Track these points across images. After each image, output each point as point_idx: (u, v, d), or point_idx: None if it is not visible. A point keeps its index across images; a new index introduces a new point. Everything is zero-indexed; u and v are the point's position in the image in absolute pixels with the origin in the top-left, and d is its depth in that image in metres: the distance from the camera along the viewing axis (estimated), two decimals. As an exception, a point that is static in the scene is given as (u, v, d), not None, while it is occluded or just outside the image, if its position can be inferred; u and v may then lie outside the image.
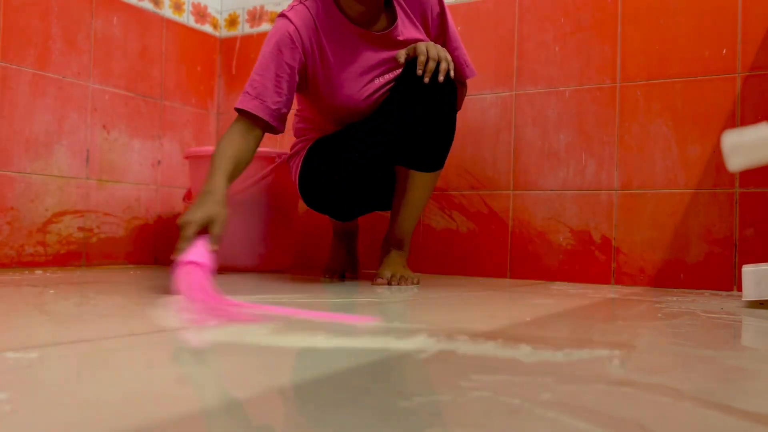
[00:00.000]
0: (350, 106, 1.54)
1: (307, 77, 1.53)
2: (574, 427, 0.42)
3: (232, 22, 2.44)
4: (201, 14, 2.38)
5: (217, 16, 2.46)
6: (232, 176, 1.37)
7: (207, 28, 2.41)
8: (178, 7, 2.28)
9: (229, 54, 2.44)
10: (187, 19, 2.33)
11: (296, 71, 1.48)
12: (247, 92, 1.45)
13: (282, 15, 1.50)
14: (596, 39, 1.84)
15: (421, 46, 1.42)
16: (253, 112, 1.43)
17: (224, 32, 2.45)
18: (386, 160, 1.54)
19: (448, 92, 1.47)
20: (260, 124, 1.45)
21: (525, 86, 1.92)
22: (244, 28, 2.42)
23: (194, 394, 0.48)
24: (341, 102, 1.54)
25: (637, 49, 1.79)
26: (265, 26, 2.38)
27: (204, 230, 1.21)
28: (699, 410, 0.47)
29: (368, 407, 0.45)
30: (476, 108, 1.97)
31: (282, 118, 1.48)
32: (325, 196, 1.57)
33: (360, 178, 1.52)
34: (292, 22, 1.47)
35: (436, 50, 1.41)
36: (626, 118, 1.79)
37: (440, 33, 1.60)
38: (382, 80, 1.55)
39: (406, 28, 1.56)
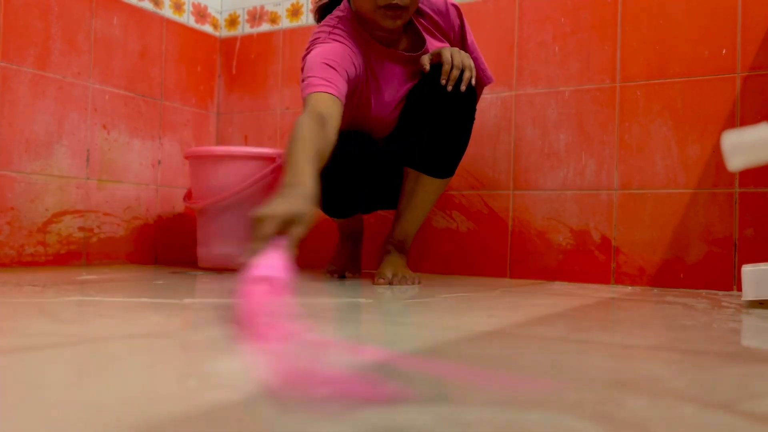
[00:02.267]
0: (378, 123, 1.57)
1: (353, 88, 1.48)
2: (575, 428, 0.42)
3: (232, 22, 2.44)
4: (201, 14, 2.38)
5: (217, 16, 2.46)
6: (321, 164, 1.18)
7: (207, 28, 2.41)
8: (178, 7, 2.28)
9: (229, 54, 2.44)
10: (187, 19, 2.33)
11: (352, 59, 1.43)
12: (307, 79, 1.34)
13: (325, 26, 1.47)
14: (596, 39, 1.84)
15: (446, 53, 1.42)
16: (329, 92, 1.31)
17: (224, 32, 2.45)
18: (398, 159, 1.54)
19: (469, 102, 1.48)
20: (339, 107, 1.33)
21: (525, 86, 1.92)
22: (245, 28, 2.42)
23: (195, 394, 0.48)
24: (371, 116, 1.56)
25: (637, 49, 1.79)
26: (265, 26, 2.38)
27: (283, 230, 0.95)
28: (700, 411, 0.47)
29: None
30: (476, 108, 1.97)
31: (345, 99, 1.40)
32: (330, 181, 1.47)
33: (368, 169, 1.53)
34: (340, 35, 1.46)
35: (461, 57, 1.42)
36: (626, 118, 1.79)
37: (461, 46, 1.61)
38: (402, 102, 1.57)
39: (433, 47, 1.57)
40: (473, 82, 1.44)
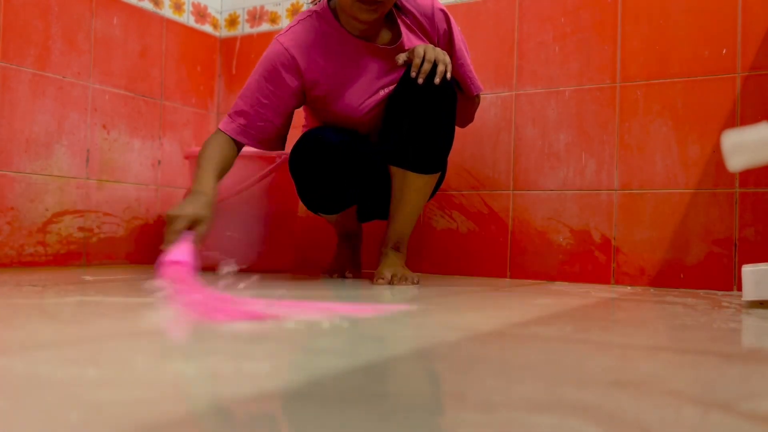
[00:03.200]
0: (354, 118, 1.57)
1: (306, 94, 1.57)
2: (575, 428, 0.42)
3: (232, 22, 2.44)
4: (201, 14, 2.38)
5: (217, 16, 2.46)
6: (220, 179, 1.43)
7: (207, 28, 2.41)
8: (178, 7, 2.28)
9: (229, 54, 2.44)
10: (187, 19, 2.33)
11: (288, 95, 1.53)
12: (230, 115, 1.53)
13: (275, 40, 1.54)
14: (596, 39, 1.84)
15: (419, 49, 1.42)
16: (232, 136, 1.51)
17: (224, 32, 2.45)
18: (383, 159, 1.54)
19: (444, 95, 1.45)
20: (240, 145, 1.53)
21: (525, 86, 1.92)
22: (244, 28, 2.42)
23: (195, 394, 0.48)
24: (344, 113, 1.56)
25: (637, 49, 1.79)
26: (265, 26, 2.38)
27: (190, 228, 1.25)
28: (700, 411, 0.47)
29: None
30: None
31: (265, 142, 1.55)
32: (315, 164, 1.54)
33: (351, 163, 1.53)
34: (285, 47, 1.52)
35: (434, 53, 1.41)
36: (626, 118, 1.79)
37: (448, 50, 1.59)
38: (386, 91, 1.56)
39: (411, 43, 1.56)
40: (448, 76, 1.42)
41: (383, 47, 1.55)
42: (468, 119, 1.75)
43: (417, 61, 1.40)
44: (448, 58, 1.43)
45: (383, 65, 1.56)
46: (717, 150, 1.65)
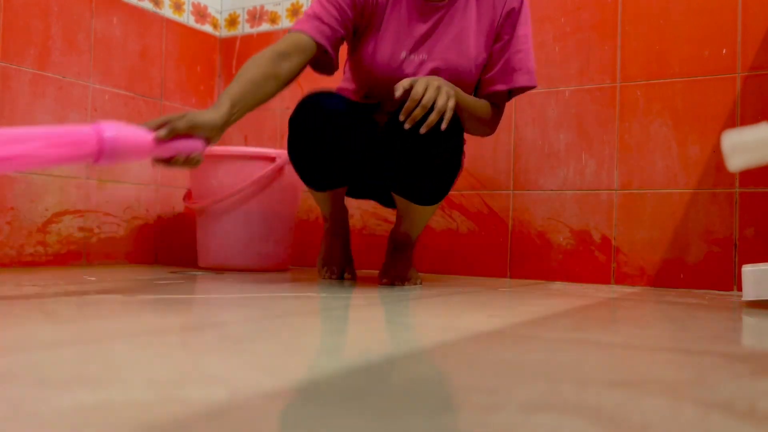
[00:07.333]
0: (382, 77, 1.45)
1: (356, 30, 1.47)
2: (575, 428, 0.42)
3: (232, 22, 2.44)
4: (201, 14, 2.38)
5: (217, 16, 2.46)
6: (243, 102, 1.24)
7: (207, 28, 2.41)
8: (178, 7, 2.28)
9: (229, 54, 2.44)
10: (187, 19, 2.33)
11: (348, 5, 1.41)
12: (303, 18, 1.38)
13: None
14: (596, 39, 1.84)
15: (420, 85, 1.23)
16: (312, 34, 1.36)
17: (224, 32, 2.45)
18: (384, 184, 1.48)
19: (435, 142, 1.28)
20: (307, 49, 1.37)
21: (525, 86, 1.92)
22: (244, 28, 2.42)
23: (195, 394, 0.48)
24: (375, 69, 1.46)
25: (637, 49, 1.79)
26: (265, 26, 2.38)
27: (188, 133, 1.13)
28: (700, 411, 0.47)
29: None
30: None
31: (336, 44, 1.41)
32: (312, 126, 1.41)
33: (357, 140, 1.42)
34: None
35: (435, 93, 1.23)
36: (626, 118, 1.79)
37: (505, 32, 1.47)
38: (414, 59, 1.45)
39: (463, 13, 1.45)
40: (443, 126, 1.24)
41: (431, 4, 1.44)
42: (485, 131, 1.54)
43: (409, 104, 1.22)
44: (451, 103, 1.24)
45: (421, 24, 1.43)
46: (717, 150, 1.65)
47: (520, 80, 1.46)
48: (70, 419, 0.41)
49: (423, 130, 1.23)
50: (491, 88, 1.48)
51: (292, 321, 0.90)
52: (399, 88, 1.24)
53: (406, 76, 1.43)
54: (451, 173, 1.40)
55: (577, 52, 1.86)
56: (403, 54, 1.45)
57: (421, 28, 1.44)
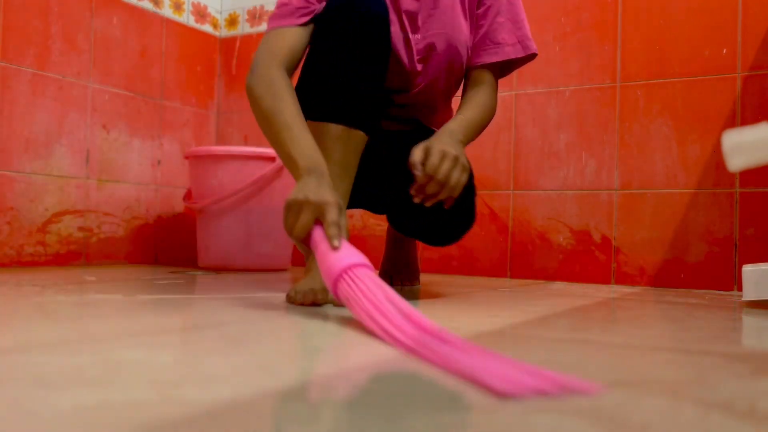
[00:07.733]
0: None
1: None
2: (576, 428, 0.42)
3: (232, 21, 2.44)
4: (201, 14, 2.38)
5: (217, 16, 2.46)
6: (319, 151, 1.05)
7: (207, 27, 2.41)
8: (178, 7, 2.28)
9: (229, 54, 2.44)
10: (187, 18, 2.33)
11: None
12: (276, 15, 1.16)
13: None
14: (596, 39, 1.84)
15: (435, 157, 1.05)
16: (305, 22, 1.14)
17: (224, 32, 2.45)
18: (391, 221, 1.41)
19: (453, 214, 1.19)
20: (299, 41, 1.15)
21: (525, 86, 1.92)
22: (244, 28, 2.42)
23: (197, 394, 0.48)
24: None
25: (637, 49, 1.79)
26: (265, 26, 2.38)
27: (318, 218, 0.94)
28: (700, 411, 0.47)
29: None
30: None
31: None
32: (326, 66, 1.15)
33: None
34: None
35: (448, 168, 1.05)
36: (626, 118, 1.79)
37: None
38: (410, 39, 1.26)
39: None
40: (451, 203, 1.11)
41: None
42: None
43: (422, 181, 1.05)
44: (463, 179, 1.08)
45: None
46: (717, 150, 1.65)
47: (505, 51, 1.28)
48: (70, 419, 0.41)
49: (429, 204, 1.09)
50: (475, 60, 1.30)
51: (292, 321, 0.90)
52: (417, 166, 1.06)
53: (400, 56, 1.27)
54: (465, 227, 1.29)
55: (577, 52, 1.86)
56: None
57: (411, 4, 1.27)
